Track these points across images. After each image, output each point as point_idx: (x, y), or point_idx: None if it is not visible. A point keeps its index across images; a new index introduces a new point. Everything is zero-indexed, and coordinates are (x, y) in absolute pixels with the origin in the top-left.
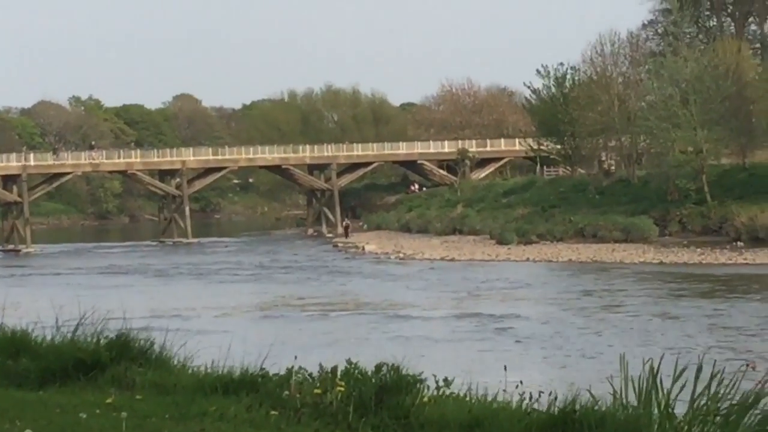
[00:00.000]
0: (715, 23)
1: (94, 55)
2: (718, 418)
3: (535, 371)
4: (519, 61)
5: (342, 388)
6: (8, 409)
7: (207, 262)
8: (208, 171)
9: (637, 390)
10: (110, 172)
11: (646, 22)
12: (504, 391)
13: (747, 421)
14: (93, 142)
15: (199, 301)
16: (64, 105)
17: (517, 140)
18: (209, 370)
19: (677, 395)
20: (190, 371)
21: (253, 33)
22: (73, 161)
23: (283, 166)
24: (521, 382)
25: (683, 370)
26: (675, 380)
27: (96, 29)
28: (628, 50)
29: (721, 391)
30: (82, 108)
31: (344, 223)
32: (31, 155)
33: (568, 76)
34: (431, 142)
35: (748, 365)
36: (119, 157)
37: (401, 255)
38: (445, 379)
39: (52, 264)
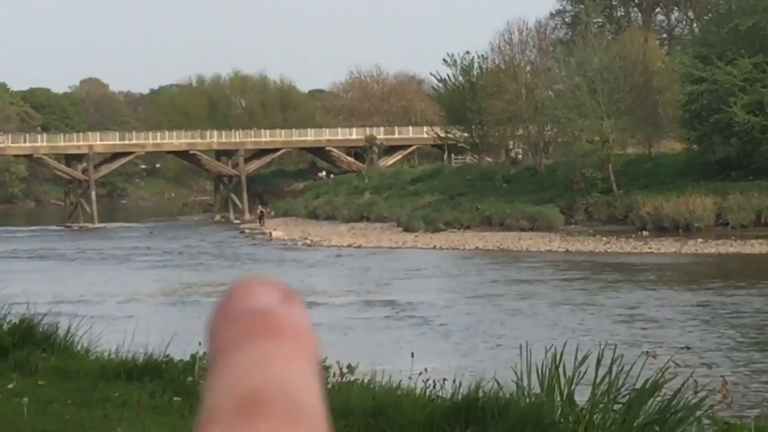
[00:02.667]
0: (623, 13)
1: None
2: (618, 405)
3: (441, 359)
4: (428, 48)
5: None
6: None
7: (113, 247)
8: (115, 156)
9: (540, 378)
10: (15, 156)
11: (554, 12)
12: (409, 378)
13: (647, 408)
14: None
15: (105, 286)
16: None
17: (425, 128)
18: (113, 356)
19: (578, 383)
20: (93, 357)
21: (160, 17)
22: None
23: (191, 152)
24: (426, 369)
25: (584, 358)
26: (576, 368)
27: (0, 10)
28: (536, 39)
29: (621, 379)
30: None
31: (259, 210)
32: None
33: (476, 65)
34: (339, 129)
35: (648, 353)
36: (25, 141)
37: (308, 242)
38: (349, 366)
39: None
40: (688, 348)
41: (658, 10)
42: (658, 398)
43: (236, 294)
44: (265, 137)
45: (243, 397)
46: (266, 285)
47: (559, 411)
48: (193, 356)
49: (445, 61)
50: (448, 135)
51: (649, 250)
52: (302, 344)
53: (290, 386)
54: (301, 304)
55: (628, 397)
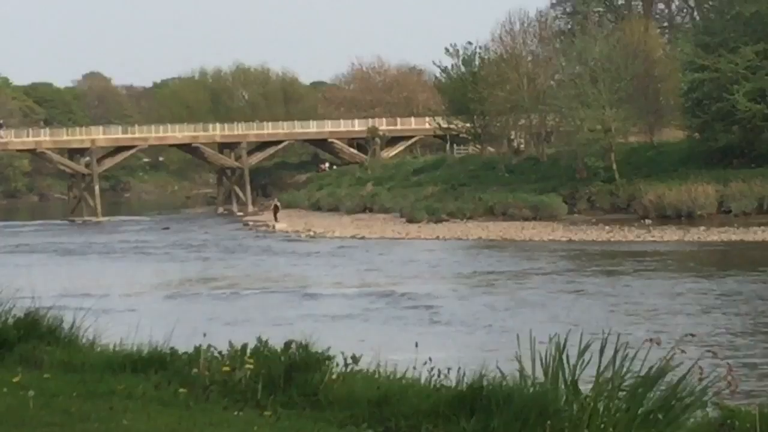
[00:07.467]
0: (623, 2)
1: (1, 31)
2: (623, 393)
3: (445, 348)
4: (429, 39)
5: (251, 366)
6: None
7: (117, 240)
8: (118, 149)
9: (544, 366)
10: (19, 150)
11: (554, 1)
12: (414, 368)
13: (652, 395)
14: (1, 121)
15: (109, 279)
16: None
17: (427, 119)
18: (118, 349)
19: (582, 371)
20: (98, 349)
21: (162, 11)
22: None
23: (193, 145)
24: (430, 358)
25: (588, 346)
26: (580, 356)
27: (3, 5)
28: (537, 29)
29: (626, 367)
30: None
31: (273, 205)
32: None
33: (477, 55)
34: (341, 120)
35: (652, 340)
36: (28, 136)
37: (312, 233)
38: (353, 356)
39: None
40: (693, 335)
41: None
42: (663, 386)
43: None
44: (268, 129)
45: None
46: None
47: (563, 399)
48: (197, 348)
49: (447, 50)
50: (450, 125)
51: (652, 239)
52: None
53: None
54: None
55: (632, 384)
